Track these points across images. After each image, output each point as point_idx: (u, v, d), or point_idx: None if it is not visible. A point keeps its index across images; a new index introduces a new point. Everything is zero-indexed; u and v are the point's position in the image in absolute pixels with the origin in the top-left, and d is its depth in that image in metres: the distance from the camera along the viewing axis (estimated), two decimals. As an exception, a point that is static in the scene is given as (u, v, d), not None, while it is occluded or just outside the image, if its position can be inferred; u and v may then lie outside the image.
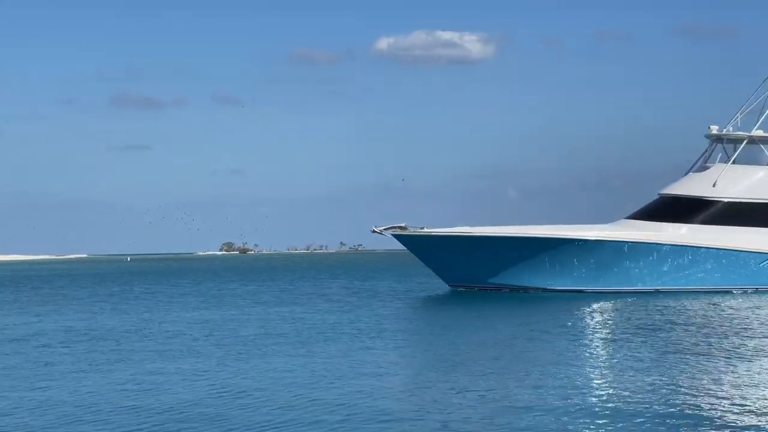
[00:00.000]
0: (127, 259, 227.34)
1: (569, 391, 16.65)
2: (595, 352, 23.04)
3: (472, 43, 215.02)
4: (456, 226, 46.85)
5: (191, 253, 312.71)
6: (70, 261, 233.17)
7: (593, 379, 18.49)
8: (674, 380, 18.06)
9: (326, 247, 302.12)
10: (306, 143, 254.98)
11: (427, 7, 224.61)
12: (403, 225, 45.56)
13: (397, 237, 45.97)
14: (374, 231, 46.35)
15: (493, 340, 25.70)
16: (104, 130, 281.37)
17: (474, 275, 44.99)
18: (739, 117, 46.87)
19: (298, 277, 74.39)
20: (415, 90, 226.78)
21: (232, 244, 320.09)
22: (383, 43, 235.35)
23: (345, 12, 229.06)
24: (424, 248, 45.79)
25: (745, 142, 46.05)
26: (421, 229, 45.50)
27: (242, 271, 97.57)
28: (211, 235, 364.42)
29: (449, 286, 46.20)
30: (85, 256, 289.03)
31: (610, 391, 16.89)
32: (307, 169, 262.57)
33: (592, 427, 13.94)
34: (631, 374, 18.89)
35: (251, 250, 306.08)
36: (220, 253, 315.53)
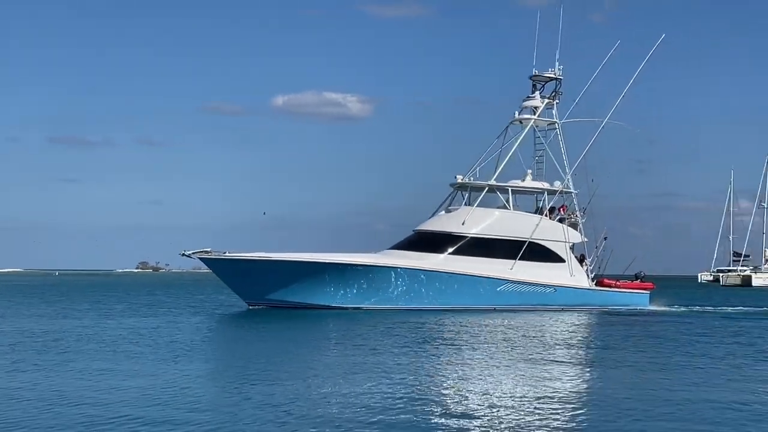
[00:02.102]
0: (55, 273, 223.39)
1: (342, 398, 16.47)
2: (361, 360, 22.71)
3: (353, 103, 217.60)
4: (325, 252, 46.89)
5: (111, 270, 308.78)
6: (8, 273, 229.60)
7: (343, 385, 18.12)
8: (421, 384, 18.43)
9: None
10: (214, 180, 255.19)
11: (316, 71, 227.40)
12: (208, 249, 45.15)
13: (203, 260, 45.74)
14: (183, 254, 46.01)
15: (275, 350, 25.69)
16: (42, 164, 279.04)
17: (268, 294, 44.88)
18: (478, 168, 48.98)
19: (151, 292, 74.30)
20: (307, 140, 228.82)
21: (147, 263, 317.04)
22: (280, 99, 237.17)
23: (249, 71, 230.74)
24: (224, 270, 45.44)
25: (486, 189, 48.36)
26: (224, 253, 45.16)
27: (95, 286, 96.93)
28: (130, 255, 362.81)
29: (247, 303, 45.94)
30: (20, 270, 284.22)
31: (360, 394, 16.82)
32: (216, 201, 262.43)
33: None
34: (384, 378, 19.03)
35: (162, 269, 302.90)
36: (136, 270, 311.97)
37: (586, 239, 49.33)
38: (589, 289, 48.68)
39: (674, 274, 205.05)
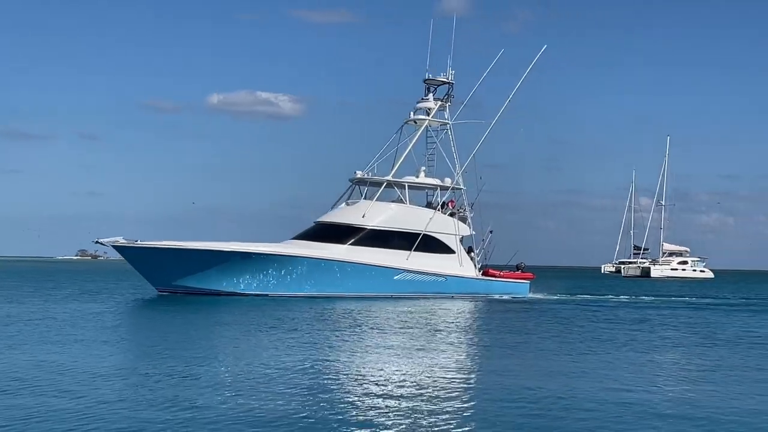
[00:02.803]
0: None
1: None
2: (260, 344, 22.77)
3: (285, 102, 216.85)
4: (254, 242, 46.48)
5: (52, 257, 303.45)
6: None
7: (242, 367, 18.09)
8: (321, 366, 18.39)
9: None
10: (151, 172, 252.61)
11: (251, 71, 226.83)
12: (120, 238, 44.69)
13: (115, 248, 45.15)
14: (97, 242, 45.75)
15: (184, 334, 25.21)
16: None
17: (176, 281, 44.61)
18: (375, 164, 49.53)
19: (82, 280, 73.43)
20: (240, 137, 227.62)
21: (86, 251, 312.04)
22: (215, 98, 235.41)
23: (186, 71, 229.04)
24: (134, 258, 45.07)
25: (384, 185, 48.85)
26: (135, 242, 44.66)
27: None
28: (70, 243, 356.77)
29: (156, 290, 45.65)
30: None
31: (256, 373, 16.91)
32: (153, 193, 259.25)
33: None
34: (280, 361, 18.86)
35: (100, 257, 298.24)
36: (76, 257, 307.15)
37: (473, 232, 50.46)
38: (475, 278, 49.75)
39: (580, 265, 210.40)
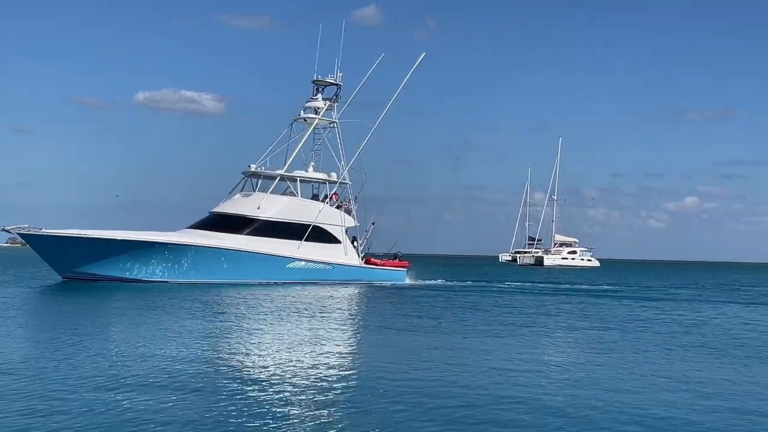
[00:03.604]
0: None
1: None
2: (156, 329, 22.23)
3: (207, 101, 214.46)
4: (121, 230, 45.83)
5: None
6: None
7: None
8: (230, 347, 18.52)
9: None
10: (78, 165, 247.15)
11: (175, 71, 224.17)
12: (26, 226, 44.14)
13: (20, 235, 44.79)
14: (3, 230, 44.93)
15: (87, 321, 24.45)
16: None
17: (79, 268, 44.19)
18: (268, 159, 49.94)
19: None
20: (164, 133, 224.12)
21: (16, 239, 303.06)
22: (141, 96, 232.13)
23: (112, 70, 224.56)
24: (39, 245, 44.56)
25: (278, 178, 49.49)
26: (40, 230, 44.11)
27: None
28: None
29: (60, 276, 45.20)
30: None
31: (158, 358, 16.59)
32: (78, 185, 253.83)
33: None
34: (175, 346, 18.53)
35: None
36: (6, 245, 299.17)
37: (357, 223, 51.42)
38: (359, 266, 50.81)
39: (481, 254, 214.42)
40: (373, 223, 52.30)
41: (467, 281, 59.87)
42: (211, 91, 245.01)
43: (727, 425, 11.86)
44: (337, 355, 18.15)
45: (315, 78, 51.95)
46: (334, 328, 23.94)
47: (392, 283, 50.92)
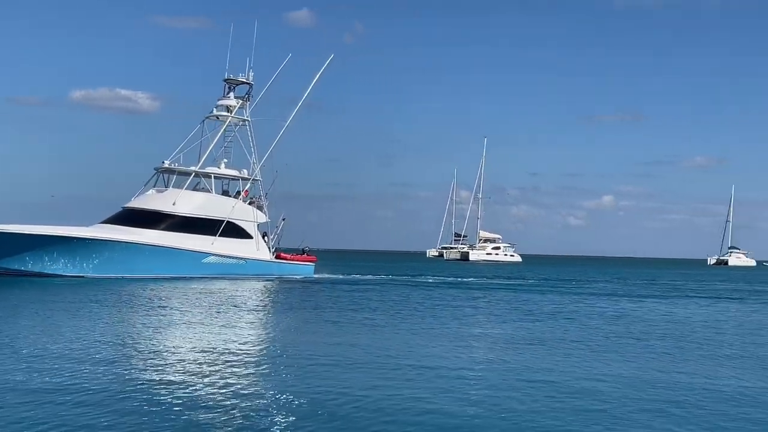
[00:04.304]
0: None
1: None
2: (71, 324, 21.45)
3: (143, 99, 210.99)
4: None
5: None
6: None
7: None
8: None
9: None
10: (18, 163, 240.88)
11: (112, 70, 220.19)
12: None
13: None
14: None
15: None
16: None
17: None
18: (181, 155, 48.67)
19: None
20: (99, 130, 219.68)
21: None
22: (77, 94, 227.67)
23: (49, 69, 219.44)
24: None
25: (192, 175, 48.29)
26: None
27: None
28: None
29: None
30: None
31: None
32: (18, 182, 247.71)
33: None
34: (85, 340, 17.94)
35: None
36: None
37: (268, 219, 50.56)
38: (270, 261, 49.95)
39: (410, 249, 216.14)
40: (284, 220, 51.63)
41: (380, 275, 59.89)
42: (147, 90, 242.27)
43: (653, 407, 12.21)
44: (248, 346, 17.90)
45: (226, 77, 50.93)
46: (248, 322, 23.71)
47: (302, 276, 50.24)
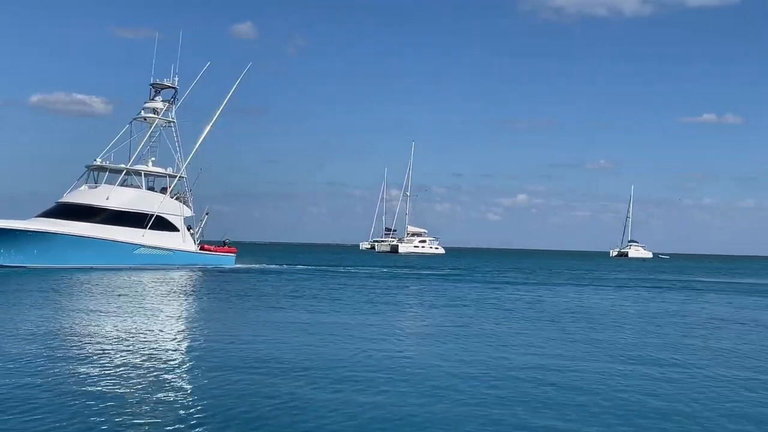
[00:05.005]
0: None
1: None
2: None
3: (97, 104, 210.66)
4: None
5: None
6: None
7: None
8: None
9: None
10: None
11: (67, 75, 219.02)
12: None
13: None
14: None
15: None
16: None
17: None
18: (112, 153, 50.42)
19: None
20: (57, 132, 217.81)
21: None
22: (35, 98, 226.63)
23: (10, 72, 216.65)
24: None
25: (124, 172, 50.18)
26: None
27: None
28: None
29: None
30: None
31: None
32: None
33: None
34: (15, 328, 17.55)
35: None
36: None
37: (193, 213, 52.70)
38: (195, 252, 52.13)
39: (344, 243, 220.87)
40: (207, 214, 53.74)
41: (312, 265, 62.17)
42: (101, 95, 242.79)
43: (572, 380, 12.99)
44: (159, 334, 17.54)
45: (152, 81, 52.75)
46: (163, 311, 23.34)
47: (224, 266, 52.49)
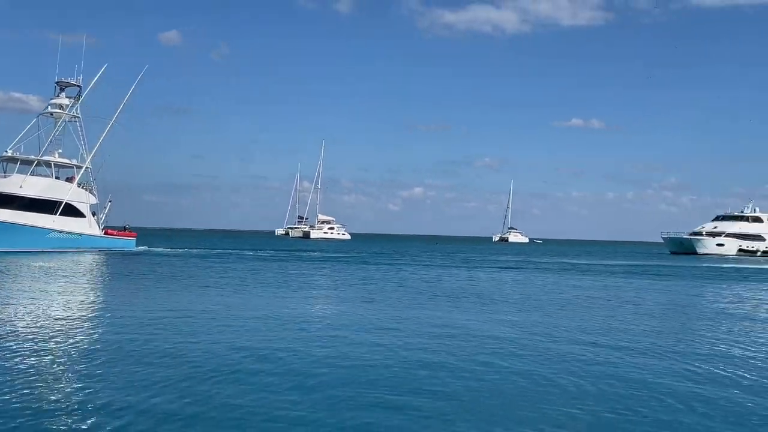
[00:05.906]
0: None
1: None
2: None
3: (34, 102, 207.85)
4: None
5: None
6: None
7: None
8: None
9: None
10: None
11: (6, 74, 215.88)
12: None
13: None
14: None
15: None
16: None
17: None
18: (21, 145, 52.25)
19: None
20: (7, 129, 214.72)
21: None
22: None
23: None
24: None
25: (36, 163, 52.20)
26: None
27: None
28: None
29: None
30: None
31: None
32: None
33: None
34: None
35: None
36: None
37: (98, 201, 55.27)
38: (100, 236, 54.73)
39: (261, 229, 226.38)
40: (110, 201, 56.45)
41: (228, 249, 65.34)
42: (38, 93, 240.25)
43: (470, 352, 13.40)
44: (84, 315, 16.95)
45: (57, 80, 54.78)
46: (84, 288, 23.39)
47: (126, 249, 55.49)
